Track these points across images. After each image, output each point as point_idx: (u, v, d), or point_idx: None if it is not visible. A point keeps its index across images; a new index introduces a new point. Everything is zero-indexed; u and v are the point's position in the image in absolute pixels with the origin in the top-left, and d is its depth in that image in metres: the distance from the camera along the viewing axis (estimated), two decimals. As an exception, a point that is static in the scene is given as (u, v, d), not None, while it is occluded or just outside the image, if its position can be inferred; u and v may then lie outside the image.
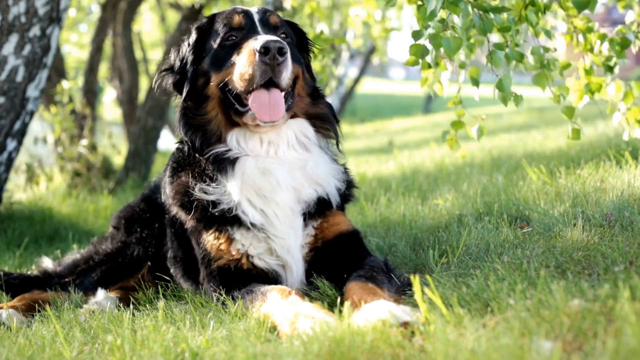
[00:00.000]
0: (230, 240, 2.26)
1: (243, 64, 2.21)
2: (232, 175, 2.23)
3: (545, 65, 2.85)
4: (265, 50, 2.14)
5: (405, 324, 1.66)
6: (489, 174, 4.15)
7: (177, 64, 2.42)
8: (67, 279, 2.69)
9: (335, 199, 2.35)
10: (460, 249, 2.41)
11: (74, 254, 2.89)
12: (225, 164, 2.26)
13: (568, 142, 4.94)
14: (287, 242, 2.26)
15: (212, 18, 2.42)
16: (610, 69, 3.14)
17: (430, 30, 2.57)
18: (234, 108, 2.28)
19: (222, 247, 2.26)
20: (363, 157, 7.87)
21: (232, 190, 2.23)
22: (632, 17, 3.28)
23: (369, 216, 3.38)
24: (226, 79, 2.27)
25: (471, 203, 3.14)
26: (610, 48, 3.10)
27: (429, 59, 2.67)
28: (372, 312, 1.73)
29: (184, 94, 2.33)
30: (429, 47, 2.62)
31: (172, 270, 2.62)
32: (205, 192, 2.26)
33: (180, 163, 2.40)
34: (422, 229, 2.92)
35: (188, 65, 2.36)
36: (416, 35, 2.62)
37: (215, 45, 2.32)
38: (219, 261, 2.27)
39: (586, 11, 2.77)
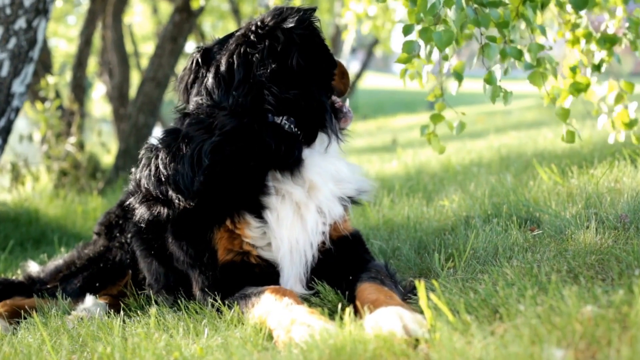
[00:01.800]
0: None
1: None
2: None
3: (540, 63, 2.78)
4: None
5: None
6: (498, 174, 4.08)
7: None
8: (49, 285, 2.62)
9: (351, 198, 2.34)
10: (467, 253, 2.35)
11: (58, 260, 2.81)
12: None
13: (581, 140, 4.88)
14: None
15: None
16: (597, 68, 3.06)
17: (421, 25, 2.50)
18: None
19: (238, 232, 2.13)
20: (365, 156, 7.73)
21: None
22: (620, 12, 3.19)
23: (371, 218, 3.30)
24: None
25: (479, 204, 3.07)
26: (598, 46, 3.02)
27: (422, 54, 2.59)
28: (385, 317, 1.67)
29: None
30: (421, 43, 2.54)
31: (159, 300, 2.39)
32: None
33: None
34: (427, 231, 2.86)
35: None
36: (407, 30, 2.53)
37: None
38: (227, 256, 2.13)
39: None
